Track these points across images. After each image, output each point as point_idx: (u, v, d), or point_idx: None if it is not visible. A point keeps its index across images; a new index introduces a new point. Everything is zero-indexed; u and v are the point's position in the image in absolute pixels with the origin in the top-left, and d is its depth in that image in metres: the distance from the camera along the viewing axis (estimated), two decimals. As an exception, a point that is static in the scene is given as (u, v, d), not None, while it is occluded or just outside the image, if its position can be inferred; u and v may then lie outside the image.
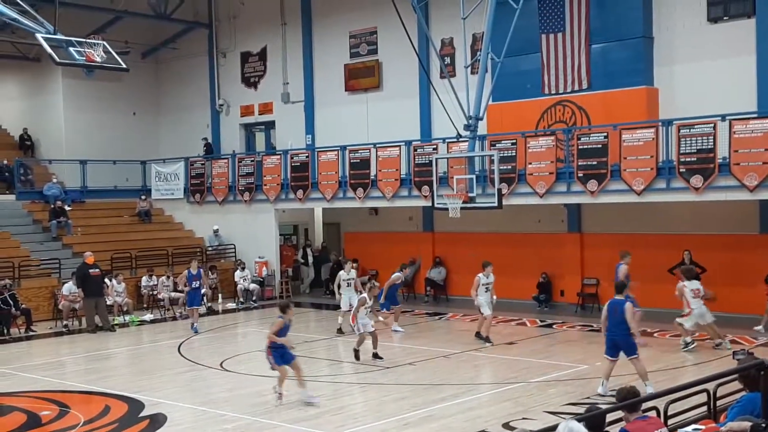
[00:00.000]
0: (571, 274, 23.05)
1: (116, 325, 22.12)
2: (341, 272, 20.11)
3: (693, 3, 20.71)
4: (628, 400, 7.42)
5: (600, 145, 19.95)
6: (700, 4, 20.61)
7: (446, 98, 20.74)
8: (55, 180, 28.40)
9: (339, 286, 19.79)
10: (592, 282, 22.47)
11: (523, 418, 12.03)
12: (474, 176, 20.22)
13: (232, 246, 28.12)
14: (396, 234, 26.77)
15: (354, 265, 20.92)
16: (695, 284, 16.75)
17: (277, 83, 29.62)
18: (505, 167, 20.63)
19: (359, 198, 24.27)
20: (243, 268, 26.40)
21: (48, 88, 31.41)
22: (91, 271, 21.61)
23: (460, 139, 21.21)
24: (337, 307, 20.58)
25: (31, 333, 21.34)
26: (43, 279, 23.76)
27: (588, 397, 13.02)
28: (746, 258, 20.13)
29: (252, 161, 27.51)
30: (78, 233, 26.80)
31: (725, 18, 20.33)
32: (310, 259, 28.75)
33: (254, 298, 26.03)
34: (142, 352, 19.46)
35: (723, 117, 18.24)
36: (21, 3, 21.52)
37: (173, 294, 23.94)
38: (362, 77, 27.26)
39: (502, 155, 20.51)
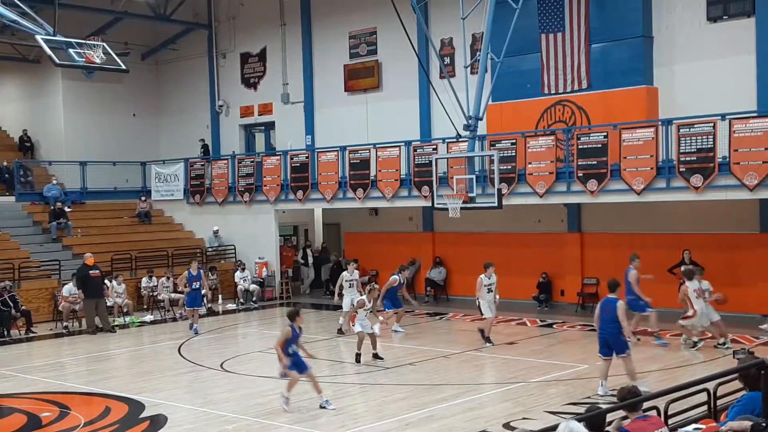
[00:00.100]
0: (571, 274, 23.05)
1: (116, 326, 22.11)
2: (344, 273, 20.06)
3: (692, 2, 20.71)
4: (629, 399, 7.43)
5: (600, 145, 19.94)
6: (700, 4, 20.61)
7: (446, 98, 20.73)
8: (55, 181, 28.39)
9: (342, 287, 19.70)
10: (593, 282, 22.47)
11: (524, 418, 12.03)
12: (474, 176, 20.20)
13: (232, 247, 28.12)
14: (396, 234, 26.77)
15: (355, 266, 20.88)
16: (695, 284, 16.74)
17: (276, 84, 29.62)
18: (504, 167, 20.62)
19: (359, 198, 24.26)
20: (243, 269, 26.40)
21: (48, 90, 31.43)
22: (91, 272, 21.61)
23: (460, 139, 21.20)
24: (337, 307, 20.58)
25: (32, 334, 21.34)
26: (43, 280, 23.75)
27: (588, 397, 13.02)
28: (746, 257, 20.14)
29: (252, 162, 27.51)
30: (78, 234, 26.81)
31: (725, 17, 20.33)
32: (310, 260, 28.74)
33: (254, 298, 26.04)
34: (143, 353, 19.45)
35: (723, 116, 18.23)
36: (21, 5, 21.51)
37: (173, 295, 23.94)
38: (362, 78, 27.27)
39: (501, 155, 20.50)
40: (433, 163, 21.39)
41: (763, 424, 7.04)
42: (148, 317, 23.38)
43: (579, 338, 18.93)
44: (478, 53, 21.16)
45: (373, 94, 27.10)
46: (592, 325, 18.99)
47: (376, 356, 16.42)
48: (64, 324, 21.84)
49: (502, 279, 18.51)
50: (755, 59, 19.75)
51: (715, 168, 18.15)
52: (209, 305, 24.30)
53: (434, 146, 22.92)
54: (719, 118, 18.27)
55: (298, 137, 28.68)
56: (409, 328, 20.23)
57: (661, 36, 21.22)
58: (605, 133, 19.97)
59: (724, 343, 16.55)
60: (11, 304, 21.02)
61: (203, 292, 21.25)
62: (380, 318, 18.02)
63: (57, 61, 20.94)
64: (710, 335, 17.04)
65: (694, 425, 8.36)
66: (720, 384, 9.32)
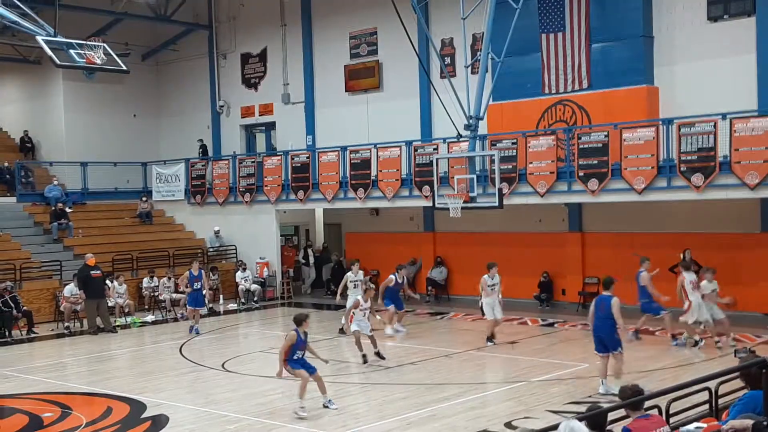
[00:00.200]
0: (573, 273, 23.07)
1: (118, 326, 22.13)
2: (348, 273, 19.95)
3: (693, 2, 20.73)
4: (631, 398, 7.43)
5: (600, 144, 19.95)
6: (700, 3, 20.62)
7: (446, 98, 20.74)
8: (56, 182, 28.41)
9: (346, 287, 19.53)
10: (594, 281, 22.43)
11: (526, 417, 12.04)
12: (475, 176, 20.22)
13: (233, 247, 28.13)
14: (397, 234, 26.78)
15: (359, 266, 20.69)
16: (692, 276, 16.81)
17: (277, 84, 29.64)
18: (505, 167, 20.63)
19: (360, 198, 24.27)
20: (244, 269, 26.42)
21: (49, 91, 31.45)
22: (92, 272, 21.63)
23: (461, 139, 21.22)
24: (339, 307, 20.56)
25: (33, 335, 21.35)
26: (44, 281, 23.77)
27: (590, 396, 13.02)
28: (747, 256, 20.14)
29: (253, 162, 27.52)
30: (79, 235, 26.83)
31: (725, 17, 20.34)
32: (311, 260, 28.76)
33: (255, 298, 26.05)
34: (144, 354, 19.46)
35: (723, 115, 18.24)
36: (21, 6, 21.52)
37: (174, 295, 23.95)
38: (362, 78, 27.28)
39: (502, 155, 20.52)
40: (434, 162, 21.38)
41: (765, 423, 7.04)
42: (150, 317, 23.39)
43: (580, 337, 18.91)
44: (478, 53, 21.18)
45: (374, 94, 27.11)
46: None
47: (378, 354, 16.36)
48: (66, 324, 21.86)
49: (503, 278, 18.46)
50: (756, 58, 19.76)
51: (716, 167, 18.15)
52: (210, 305, 24.31)
53: (435, 146, 22.93)
54: (720, 117, 18.27)
55: (299, 137, 28.69)
56: (410, 328, 20.23)
57: (662, 35, 21.23)
58: (606, 133, 19.98)
59: (717, 342, 16.59)
60: (12, 305, 21.02)
61: (204, 292, 21.24)
62: (377, 317, 17.98)
63: (58, 62, 20.95)
64: (708, 334, 17.00)
65: (695, 424, 8.36)
66: (721, 383, 9.32)
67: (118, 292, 23.12)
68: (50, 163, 30.54)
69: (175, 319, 23.39)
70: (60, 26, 21.28)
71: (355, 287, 19.53)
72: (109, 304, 22.45)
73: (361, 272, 20.16)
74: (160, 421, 12.70)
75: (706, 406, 9.59)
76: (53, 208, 27.03)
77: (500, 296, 18.13)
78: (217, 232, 28.05)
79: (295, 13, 28.90)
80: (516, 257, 23.36)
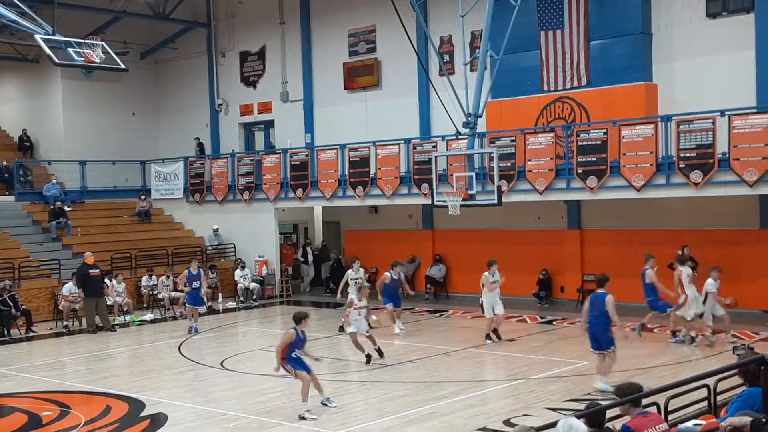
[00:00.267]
0: (571, 271, 23.06)
1: (116, 325, 22.13)
2: (349, 271, 19.85)
3: (691, -1, 20.72)
4: (629, 395, 7.42)
5: (599, 142, 19.94)
6: (699, 0, 20.59)
7: (445, 96, 20.71)
8: (54, 181, 28.40)
9: (347, 284, 19.34)
10: (592, 278, 22.34)
11: (524, 415, 12.04)
12: (473, 174, 20.19)
13: (232, 245, 28.12)
14: (396, 232, 26.78)
15: (360, 264, 20.58)
16: (688, 270, 16.87)
17: (276, 82, 29.61)
18: (504, 164, 20.63)
19: (359, 196, 24.26)
20: (243, 267, 26.41)
21: (47, 89, 31.43)
22: (91, 271, 21.61)
23: (460, 137, 21.20)
24: (338, 305, 20.53)
25: (32, 334, 21.34)
26: (43, 280, 23.76)
27: (588, 393, 13.02)
28: (746, 253, 20.13)
29: (251, 160, 27.52)
30: (78, 234, 26.81)
31: (724, 13, 20.33)
32: (310, 258, 28.76)
33: (254, 297, 26.04)
34: (143, 352, 19.46)
35: (722, 112, 18.24)
36: (20, 4, 21.50)
37: (173, 294, 23.94)
38: (361, 76, 27.26)
39: (501, 152, 20.51)
40: (433, 160, 21.36)
41: (763, 420, 7.03)
42: (148, 316, 23.39)
43: (579, 335, 18.76)
44: (477, 51, 21.17)
45: (373, 92, 27.09)
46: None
47: (378, 351, 16.29)
48: (65, 323, 21.85)
49: (502, 276, 18.42)
50: (754, 55, 19.75)
51: (715, 164, 18.15)
52: (209, 303, 24.29)
53: (434, 144, 22.92)
54: (719, 114, 18.27)
55: (298, 135, 28.67)
56: (409, 326, 20.20)
57: (661, 32, 21.22)
58: (605, 130, 19.97)
59: (708, 338, 16.62)
60: (11, 304, 21.01)
61: (202, 291, 21.22)
62: (373, 317, 17.88)
63: (56, 60, 20.94)
64: (704, 332, 16.99)
65: (694, 421, 8.36)
66: (720, 380, 9.33)
67: (116, 290, 23.12)
68: (49, 162, 30.53)
69: (174, 318, 23.38)
70: (58, 25, 21.26)
71: (355, 285, 19.45)
72: (108, 303, 22.44)
73: (361, 270, 20.08)
74: (158, 419, 12.70)
75: (705, 403, 9.59)
76: (52, 206, 27.02)
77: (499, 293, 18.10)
78: (215, 231, 28.04)
79: (293, 11, 28.88)
80: (515, 255, 23.34)
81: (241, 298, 25.89)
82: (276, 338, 15.74)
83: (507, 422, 11.70)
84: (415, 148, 23.18)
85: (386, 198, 23.78)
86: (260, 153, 28.09)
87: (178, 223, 29.81)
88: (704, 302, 16.75)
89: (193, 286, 20.88)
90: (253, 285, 26.20)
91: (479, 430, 11.49)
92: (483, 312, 18.13)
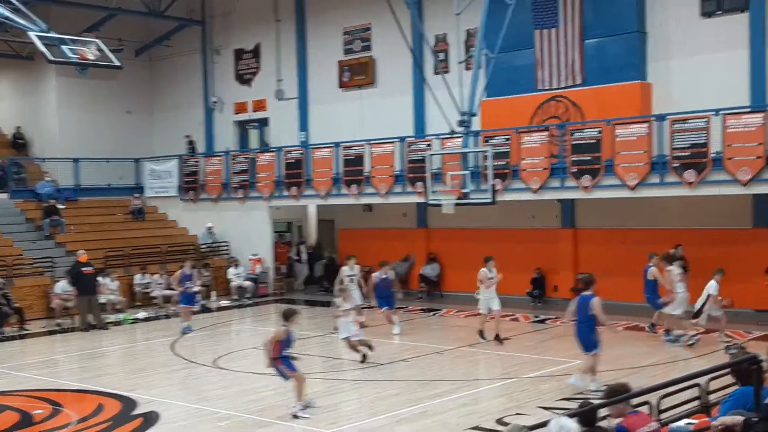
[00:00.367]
0: (565, 270, 23.05)
1: (109, 323, 22.05)
2: (344, 268, 19.71)
3: (686, -2, 20.73)
4: (617, 396, 7.42)
5: (594, 141, 19.95)
6: (694, -1, 20.63)
7: (440, 94, 20.71)
8: (48, 178, 28.32)
9: (342, 281, 19.19)
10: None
11: (517, 414, 12.02)
12: (468, 172, 20.15)
13: (226, 243, 28.07)
14: (390, 230, 26.75)
15: (355, 260, 20.40)
16: (677, 269, 16.88)
17: (270, 80, 29.55)
18: (498, 163, 20.61)
19: (353, 195, 24.24)
20: (237, 266, 26.36)
21: (41, 87, 31.34)
22: (84, 269, 21.57)
23: (454, 135, 21.18)
24: (331, 304, 20.46)
25: (24, 332, 21.25)
26: (36, 277, 23.67)
27: (581, 393, 13.01)
28: (739, 252, 20.15)
29: (246, 158, 27.47)
30: (71, 231, 26.73)
31: (719, 12, 20.36)
32: (304, 256, 28.72)
33: (248, 295, 25.99)
34: (136, 350, 19.42)
35: (716, 111, 18.25)
36: (14, 1, 21.41)
37: (166, 292, 23.89)
38: (356, 74, 27.22)
39: (495, 151, 20.49)
40: (427, 159, 21.33)
41: (755, 419, 7.04)
42: (141, 314, 23.32)
43: (572, 334, 18.84)
44: (472, 49, 21.19)
45: (368, 90, 27.06)
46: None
47: (367, 346, 16.12)
48: (57, 321, 21.78)
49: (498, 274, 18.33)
50: (749, 54, 19.78)
51: (709, 163, 18.17)
52: (202, 302, 24.22)
53: (428, 142, 22.90)
54: (713, 113, 18.28)
55: (292, 133, 28.63)
56: (402, 324, 20.16)
57: (656, 31, 21.23)
58: (599, 129, 19.98)
59: (694, 338, 16.61)
60: (4, 301, 20.94)
61: (194, 290, 21.15)
62: (361, 318, 17.64)
63: (50, 57, 20.85)
64: (688, 332, 16.99)
65: (686, 420, 8.36)
66: (712, 379, 9.32)
67: (109, 288, 23.07)
68: (43, 160, 30.40)
69: (167, 316, 23.31)
70: (53, 22, 21.23)
71: (351, 281, 19.40)
72: (101, 301, 22.38)
73: (357, 267, 19.92)
74: (151, 418, 12.65)
75: (697, 403, 9.58)
76: (45, 204, 26.94)
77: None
78: (209, 229, 27.98)
79: (288, 9, 28.84)
80: (509, 253, 23.26)
81: (235, 297, 25.84)
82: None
83: (500, 421, 11.68)
84: (409, 146, 23.17)
85: (381, 196, 23.77)
86: (254, 151, 28.05)
87: (171, 221, 29.76)
88: (704, 303, 16.73)
89: (187, 285, 20.81)
90: (246, 283, 26.15)
91: (472, 428, 11.48)
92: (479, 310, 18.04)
